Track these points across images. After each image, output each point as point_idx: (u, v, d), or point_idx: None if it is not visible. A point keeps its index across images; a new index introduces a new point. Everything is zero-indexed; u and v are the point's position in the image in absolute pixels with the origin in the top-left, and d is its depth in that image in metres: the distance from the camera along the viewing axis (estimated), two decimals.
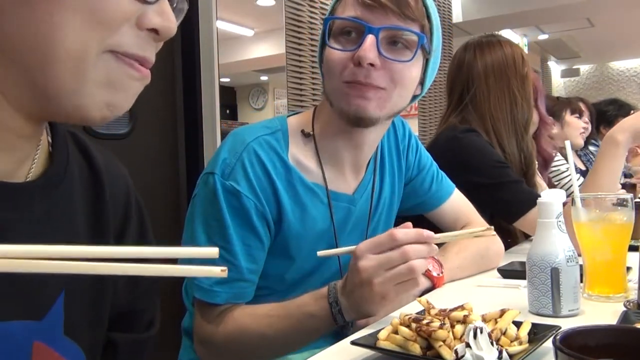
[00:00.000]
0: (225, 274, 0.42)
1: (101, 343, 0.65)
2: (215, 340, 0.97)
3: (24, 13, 0.48)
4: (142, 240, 0.69)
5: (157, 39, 0.54)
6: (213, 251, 0.42)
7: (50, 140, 0.60)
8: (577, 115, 2.95)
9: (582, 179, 2.50)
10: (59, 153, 0.59)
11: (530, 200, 1.43)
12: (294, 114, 1.13)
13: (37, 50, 0.48)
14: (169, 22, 0.54)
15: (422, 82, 1.06)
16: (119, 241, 0.66)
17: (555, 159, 2.67)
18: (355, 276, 0.87)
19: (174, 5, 0.57)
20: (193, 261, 0.44)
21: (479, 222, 1.31)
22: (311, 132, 1.08)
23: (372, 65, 0.94)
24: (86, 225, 0.61)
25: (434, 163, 1.31)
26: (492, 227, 0.95)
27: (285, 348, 0.97)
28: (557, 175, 2.66)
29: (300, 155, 1.06)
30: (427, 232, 0.87)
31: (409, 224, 0.90)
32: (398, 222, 1.26)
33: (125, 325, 0.68)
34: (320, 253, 0.92)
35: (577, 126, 2.96)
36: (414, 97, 1.07)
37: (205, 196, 0.99)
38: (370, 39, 0.94)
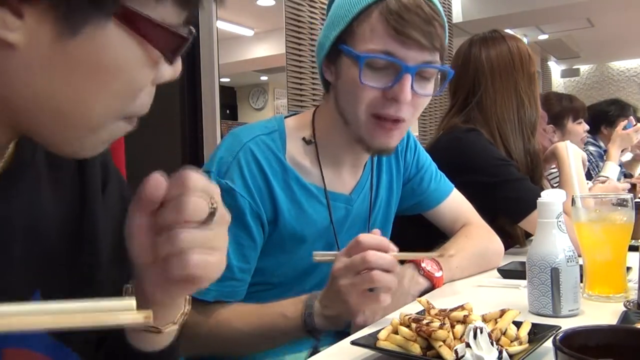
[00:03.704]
0: (149, 321, 0.43)
1: (91, 337, 0.65)
2: (200, 332, 0.98)
3: (70, 79, 0.47)
4: (122, 193, 0.71)
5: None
6: (130, 303, 0.44)
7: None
8: (580, 121, 2.93)
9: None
10: (22, 146, 0.59)
11: (536, 198, 1.41)
12: (291, 115, 1.14)
13: (61, 113, 0.49)
14: (178, 72, 0.55)
15: None
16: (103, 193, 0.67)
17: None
18: (329, 279, 0.90)
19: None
20: None
21: (477, 222, 1.30)
22: (312, 140, 1.09)
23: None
24: (66, 197, 0.62)
25: (433, 163, 1.31)
26: (443, 255, 0.98)
27: (256, 347, 0.99)
28: (556, 177, 2.65)
29: (298, 156, 1.07)
30: (388, 241, 0.88)
31: (377, 230, 0.91)
32: (397, 222, 1.27)
33: None
34: (316, 254, 0.95)
35: (579, 133, 2.95)
36: None
37: None
38: (407, 79, 0.95)
